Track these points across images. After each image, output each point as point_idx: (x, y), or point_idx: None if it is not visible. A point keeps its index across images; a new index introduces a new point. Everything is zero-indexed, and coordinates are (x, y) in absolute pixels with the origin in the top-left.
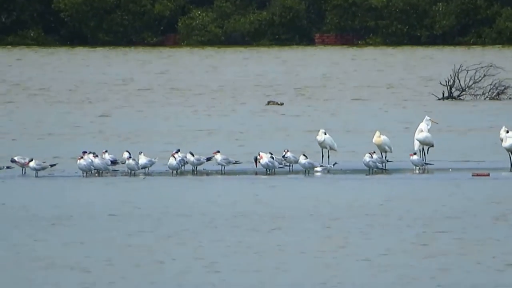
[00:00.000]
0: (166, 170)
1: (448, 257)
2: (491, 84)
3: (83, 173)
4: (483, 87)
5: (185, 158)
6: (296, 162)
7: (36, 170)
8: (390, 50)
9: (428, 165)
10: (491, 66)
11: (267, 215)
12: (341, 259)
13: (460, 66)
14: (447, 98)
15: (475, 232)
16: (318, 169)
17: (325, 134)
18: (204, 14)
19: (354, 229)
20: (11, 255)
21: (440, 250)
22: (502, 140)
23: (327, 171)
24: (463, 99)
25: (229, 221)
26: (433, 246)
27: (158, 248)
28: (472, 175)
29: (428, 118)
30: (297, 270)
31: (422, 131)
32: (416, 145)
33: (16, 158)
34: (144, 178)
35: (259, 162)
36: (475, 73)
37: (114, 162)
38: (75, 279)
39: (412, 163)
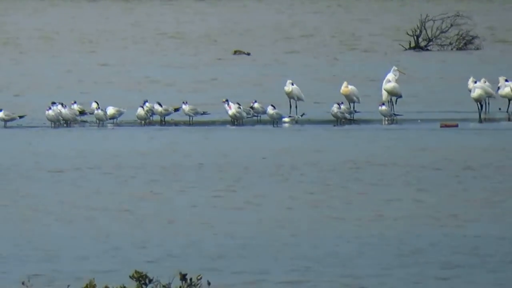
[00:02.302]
0: (135, 120)
1: (399, 205)
2: (458, 34)
3: (51, 123)
4: (450, 37)
5: (153, 108)
6: (264, 112)
7: (5, 121)
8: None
9: (397, 116)
10: (458, 15)
11: (229, 165)
12: (298, 212)
13: (427, 16)
14: (414, 48)
15: (439, 183)
16: (286, 119)
17: (293, 84)
18: None
19: (315, 178)
20: None
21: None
22: (470, 91)
23: (295, 121)
24: (431, 50)
25: (191, 171)
26: (392, 193)
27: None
28: (441, 126)
29: (396, 68)
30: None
31: (390, 81)
32: (384, 95)
33: None
34: (112, 128)
35: (227, 112)
36: (442, 23)
37: (82, 113)
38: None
39: (381, 113)
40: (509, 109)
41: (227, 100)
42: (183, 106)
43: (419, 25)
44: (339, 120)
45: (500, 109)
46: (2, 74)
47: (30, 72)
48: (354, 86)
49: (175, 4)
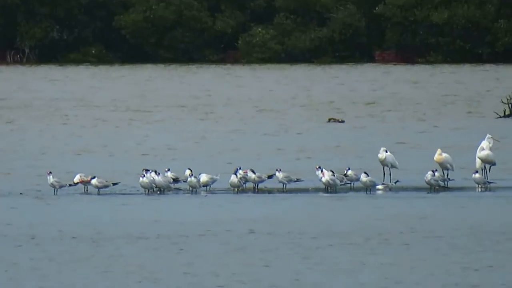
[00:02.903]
0: (228, 188)
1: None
2: None
3: (145, 190)
4: None
5: (246, 176)
6: (358, 179)
7: (98, 188)
8: (450, 67)
9: (491, 183)
10: None
11: (323, 233)
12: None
13: None
14: (509, 116)
15: None
16: (380, 186)
17: (386, 152)
18: (264, 31)
19: (420, 246)
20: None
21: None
22: None
23: (388, 188)
24: None
25: (288, 238)
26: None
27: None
28: None
29: (490, 136)
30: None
31: (483, 149)
32: (478, 163)
33: (78, 176)
34: (205, 195)
35: (320, 180)
36: None
37: (175, 180)
38: None
39: (474, 181)
40: None
41: (319, 167)
42: (277, 173)
43: None
44: (432, 188)
45: None
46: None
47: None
48: (448, 154)
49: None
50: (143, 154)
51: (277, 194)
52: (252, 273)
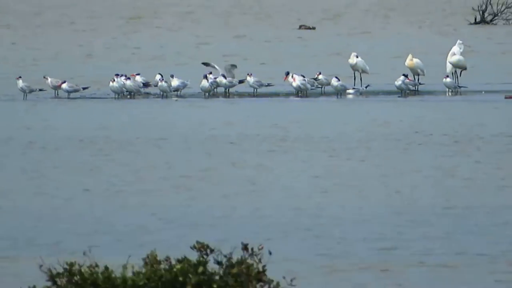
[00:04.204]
0: (199, 92)
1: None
2: None
3: (115, 95)
4: None
5: (217, 80)
6: (328, 84)
7: (68, 92)
8: None
9: (461, 88)
10: None
11: (292, 137)
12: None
13: None
14: (480, 22)
15: (502, 153)
16: (350, 91)
17: (357, 57)
18: None
19: (382, 148)
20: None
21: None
22: None
23: (359, 93)
24: (496, 24)
25: (255, 140)
26: (462, 166)
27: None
28: (505, 97)
29: (461, 41)
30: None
31: (454, 54)
32: (449, 67)
33: (49, 80)
34: (176, 100)
35: (291, 84)
36: None
37: (146, 85)
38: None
39: (445, 85)
40: None
41: (288, 72)
42: (248, 78)
43: (484, 1)
44: (403, 92)
45: None
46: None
47: (90, 44)
48: (419, 59)
49: None
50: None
51: (248, 98)
52: (217, 174)
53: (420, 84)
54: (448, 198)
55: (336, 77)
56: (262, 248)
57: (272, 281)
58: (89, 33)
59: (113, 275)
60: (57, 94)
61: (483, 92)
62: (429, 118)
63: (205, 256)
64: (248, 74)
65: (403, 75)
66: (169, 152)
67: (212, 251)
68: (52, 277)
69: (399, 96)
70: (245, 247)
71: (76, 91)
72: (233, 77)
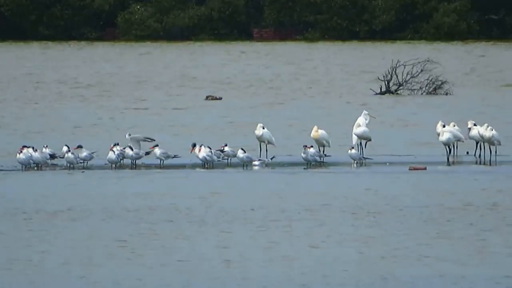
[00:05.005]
0: (105, 164)
1: (387, 247)
2: (428, 79)
3: (22, 166)
4: (420, 82)
5: (123, 152)
6: (234, 155)
7: None
8: (328, 45)
9: (366, 159)
10: (428, 61)
11: (201, 208)
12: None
13: (398, 61)
14: (385, 93)
15: (409, 224)
16: (256, 163)
17: (263, 128)
18: (143, 9)
19: (288, 220)
20: None
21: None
22: (438, 134)
23: (265, 165)
24: (401, 94)
25: (163, 214)
26: (378, 237)
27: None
28: (409, 169)
29: (366, 112)
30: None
31: (360, 125)
32: (354, 139)
33: None
34: (83, 171)
35: (197, 156)
36: (413, 68)
37: (52, 156)
38: None
39: (350, 157)
40: (476, 153)
41: (194, 145)
42: (155, 150)
43: (390, 70)
44: (309, 163)
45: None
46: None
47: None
48: (325, 130)
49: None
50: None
51: (155, 170)
52: (119, 248)
53: (325, 155)
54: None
55: (242, 149)
56: None
57: None
58: None
59: None
60: None
61: (388, 164)
62: (335, 189)
63: None
64: (155, 146)
65: (304, 146)
66: (68, 224)
67: None
68: None
69: (304, 168)
70: None
71: None
72: (139, 148)
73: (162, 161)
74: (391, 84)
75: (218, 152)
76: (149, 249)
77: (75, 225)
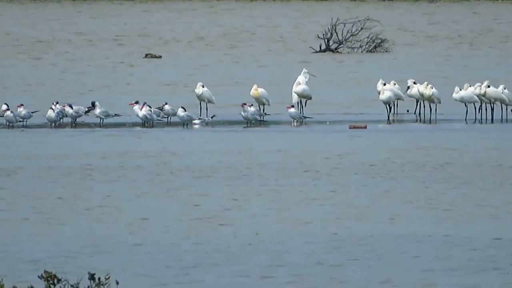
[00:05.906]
0: (45, 123)
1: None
2: (368, 37)
3: None
4: (360, 40)
5: (63, 110)
6: (174, 114)
7: None
8: (270, 2)
9: (306, 118)
10: (368, 19)
11: (130, 167)
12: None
13: (338, 19)
14: (325, 51)
15: (343, 182)
16: (196, 121)
17: (203, 87)
18: None
19: (224, 178)
20: None
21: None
22: (379, 93)
23: (205, 123)
24: (341, 52)
25: (100, 171)
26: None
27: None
28: (350, 127)
29: (306, 70)
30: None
31: (300, 83)
32: (294, 97)
33: None
34: (22, 130)
35: (137, 115)
36: (353, 26)
37: None
38: None
39: (290, 115)
40: (416, 111)
41: (137, 102)
42: (96, 108)
43: (329, 28)
44: (249, 122)
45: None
46: None
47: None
48: (264, 88)
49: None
50: None
51: (96, 129)
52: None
53: (265, 114)
54: None
55: (182, 107)
56: (109, 277)
57: None
58: None
59: None
60: None
61: (328, 123)
62: (276, 148)
63: (52, 286)
64: (92, 103)
65: (243, 104)
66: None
67: (59, 280)
68: None
69: (244, 127)
70: (91, 276)
71: None
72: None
73: (102, 120)
74: (331, 42)
75: (158, 110)
76: (105, 208)
77: (16, 183)
